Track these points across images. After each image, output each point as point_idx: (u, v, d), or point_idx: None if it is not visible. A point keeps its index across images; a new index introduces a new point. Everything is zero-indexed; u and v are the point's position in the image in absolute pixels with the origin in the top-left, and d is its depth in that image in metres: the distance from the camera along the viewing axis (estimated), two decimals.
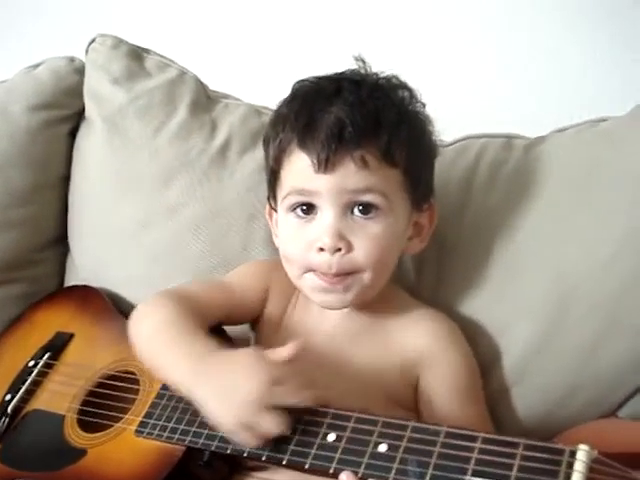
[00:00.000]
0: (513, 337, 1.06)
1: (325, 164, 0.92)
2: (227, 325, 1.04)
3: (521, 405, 1.06)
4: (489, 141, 1.17)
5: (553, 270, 1.05)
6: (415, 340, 1.00)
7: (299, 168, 0.95)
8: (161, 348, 0.93)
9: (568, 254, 1.05)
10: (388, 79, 1.01)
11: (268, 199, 1.06)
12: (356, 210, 0.94)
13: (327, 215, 0.94)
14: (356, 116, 0.93)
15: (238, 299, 1.05)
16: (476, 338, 1.06)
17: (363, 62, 1.02)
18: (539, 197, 1.08)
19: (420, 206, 1.01)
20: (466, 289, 1.09)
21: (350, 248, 0.94)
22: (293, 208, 0.97)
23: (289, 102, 1.00)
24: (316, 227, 0.95)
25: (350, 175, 0.93)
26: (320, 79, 1.00)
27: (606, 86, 1.40)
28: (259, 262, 1.14)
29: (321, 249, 0.94)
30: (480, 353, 1.04)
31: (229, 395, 0.84)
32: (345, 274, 0.95)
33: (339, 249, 0.93)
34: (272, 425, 0.82)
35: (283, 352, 0.86)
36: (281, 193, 0.99)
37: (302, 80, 1.02)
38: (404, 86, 1.01)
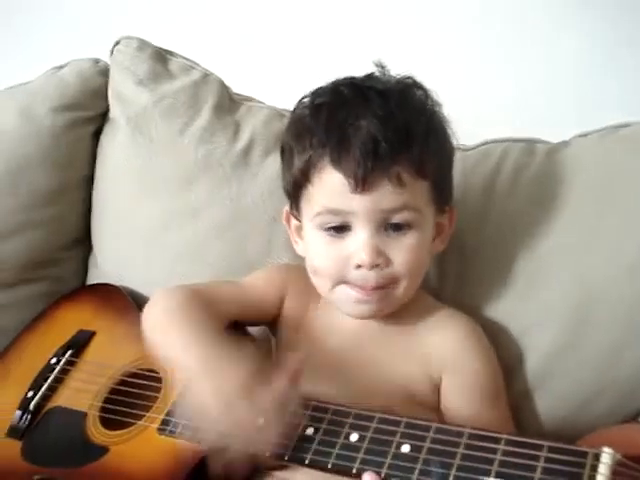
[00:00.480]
0: (535, 341, 1.06)
1: (362, 184, 0.91)
2: (242, 325, 1.05)
3: (542, 409, 1.06)
4: (511, 145, 1.17)
5: (576, 275, 1.05)
6: (439, 341, 1.00)
7: (333, 187, 0.93)
8: (172, 330, 0.94)
9: (591, 259, 1.05)
10: (404, 81, 1.00)
11: (290, 207, 1.04)
12: (390, 228, 0.94)
13: (363, 233, 0.93)
14: (388, 131, 0.91)
15: (251, 300, 1.06)
16: (498, 342, 1.05)
17: (382, 68, 1.01)
18: (561, 202, 1.08)
19: (442, 209, 1.01)
20: (489, 293, 1.09)
21: (388, 262, 0.94)
22: (325, 228, 0.96)
23: (313, 113, 0.97)
24: (351, 244, 0.94)
25: (387, 194, 0.92)
26: (340, 87, 0.98)
27: (629, 90, 1.39)
28: (276, 266, 1.14)
29: (359, 265, 0.94)
30: (502, 357, 1.04)
31: (217, 372, 0.85)
32: (381, 287, 0.95)
33: (377, 265, 0.93)
34: (250, 413, 0.82)
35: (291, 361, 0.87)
36: (310, 209, 0.97)
37: (320, 88, 1.01)
38: (419, 86, 1.00)
